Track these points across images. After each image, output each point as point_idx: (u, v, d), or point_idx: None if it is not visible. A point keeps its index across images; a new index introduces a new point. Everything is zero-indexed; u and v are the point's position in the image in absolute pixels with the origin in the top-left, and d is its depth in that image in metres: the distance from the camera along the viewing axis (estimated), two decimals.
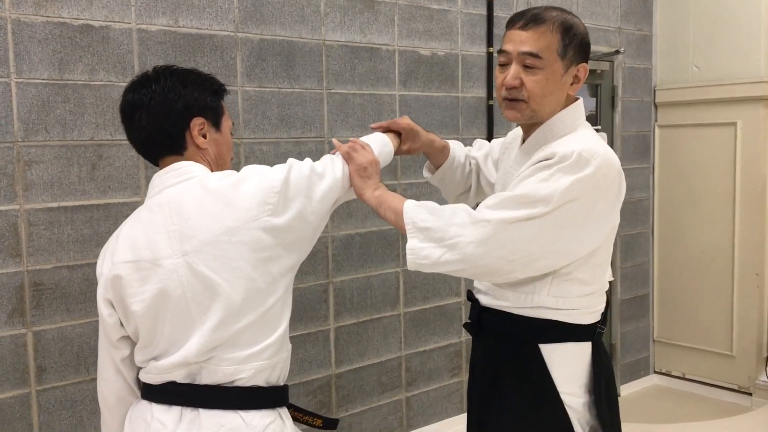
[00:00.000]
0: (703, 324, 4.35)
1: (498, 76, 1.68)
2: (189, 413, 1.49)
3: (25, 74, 2.33)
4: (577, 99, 1.70)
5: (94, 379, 2.48)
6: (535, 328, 1.60)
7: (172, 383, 1.51)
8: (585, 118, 1.69)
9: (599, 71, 4.20)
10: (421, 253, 1.54)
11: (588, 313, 1.62)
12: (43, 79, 2.37)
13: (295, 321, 3.00)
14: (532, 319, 1.60)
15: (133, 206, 2.57)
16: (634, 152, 4.44)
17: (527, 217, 1.48)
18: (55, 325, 2.42)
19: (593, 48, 4.00)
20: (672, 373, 4.55)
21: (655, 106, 4.50)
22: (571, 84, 1.64)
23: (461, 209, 1.54)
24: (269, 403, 1.54)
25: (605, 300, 1.68)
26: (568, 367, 1.60)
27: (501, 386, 1.67)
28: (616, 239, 4.26)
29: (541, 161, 1.55)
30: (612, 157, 1.56)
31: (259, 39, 2.85)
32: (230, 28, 2.77)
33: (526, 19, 1.60)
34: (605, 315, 1.70)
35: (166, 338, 1.50)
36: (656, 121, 4.52)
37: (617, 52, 4.18)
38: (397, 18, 3.27)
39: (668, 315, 4.55)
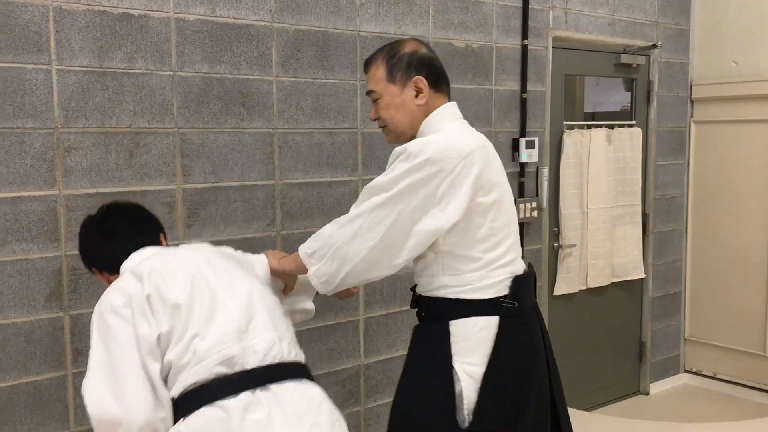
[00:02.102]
0: (735, 323, 4.28)
1: None
2: None
3: (65, 62, 2.37)
4: (445, 103, 1.94)
5: None
6: (444, 307, 1.79)
7: None
8: (456, 116, 1.93)
9: (635, 65, 4.14)
10: (318, 273, 1.81)
11: (483, 288, 1.77)
12: (83, 67, 2.40)
13: (325, 311, 3.02)
14: (440, 299, 1.80)
15: (170, 194, 2.60)
16: (669, 148, 4.38)
17: (375, 204, 1.74)
18: (91, 310, 2.43)
19: (629, 41, 3.96)
20: (703, 373, 4.49)
21: (692, 102, 4.43)
22: (417, 96, 1.89)
23: (333, 221, 1.82)
24: None
25: (508, 275, 1.80)
26: (470, 340, 1.75)
27: (409, 359, 1.88)
28: (648, 236, 4.21)
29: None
30: (454, 145, 1.76)
31: (294, 29, 2.86)
32: (266, 18, 2.78)
33: (365, 65, 1.99)
34: (518, 290, 1.80)
35: None
36: (692, 116, 4.45)
37: (654, 46, 4.13)
38: (431, 9, 3.26)
39: (700, 313, 4.49)
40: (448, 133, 1.83)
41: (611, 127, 4.07)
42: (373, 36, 3.08)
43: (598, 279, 4.06)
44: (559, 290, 3.92)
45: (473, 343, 1.75)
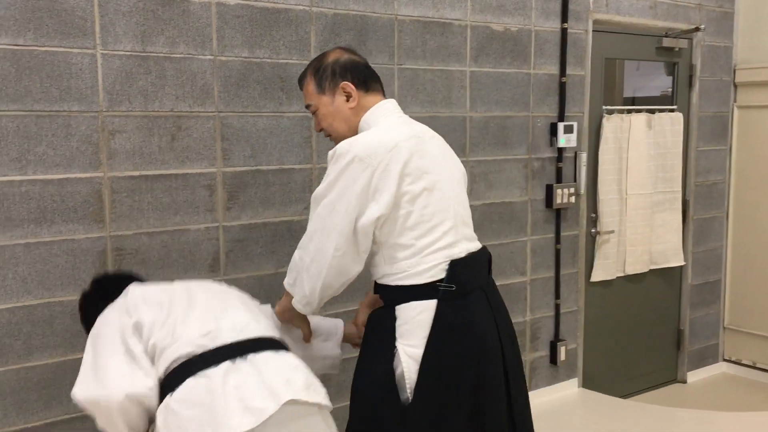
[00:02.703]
0: None
1: None
2: None
3: (110, 46, 2.41)
4: (380, 101, 2.01)
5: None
6: (390, 294, 1.87)
7: None
8: (390, 112, 1.99)
9: (677, 49, 4.07)
10: (298, 299, 1.92)
11: (418, 273, 1.83)
12: (127, 51, 2.45)
13: (360, 295, 3.04)
14: (386, 286, 1.88)
15: (210, 177, 2.64)
16: (711, 133, 4.30)
17: (322, 214, 1.84)
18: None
19: (671, 24, 3.89)
20: (742, 362, 4.43)
21: (735, 86, 4.34)
22: (348, 100, 1.98)
23: (298, 245, 1.93)
24: None
25: (444, 259, 1.85)
26: (411, 322, 1.82)
27: (364, 341, 1.98)
28: (688, 223, 4.17)
29: None
30: (379, 139, 1.84)
31: (333, 13, 2.87)
32: (305, 3, 2.79)
33: (298, 84, 2.11)
34: (457, 274, 1.84)
35: None
36: (735, 101, 4.35)
37: (697, 29, 4.04)
38: None
39: (740, 302, 4.42)
40: (376, 129, 1.91)
41: (652, 112, 4.00)
42: (411, 20, 3.08)
43: (636, 266, 4.02)
44: (596, 277, 3.89)
45: (413, 326, 1.82)
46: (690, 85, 4.19)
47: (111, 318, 1.81)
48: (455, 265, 1.85)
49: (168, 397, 1.65)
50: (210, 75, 2.62)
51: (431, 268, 1.84)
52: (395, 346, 1.84)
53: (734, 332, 4.46)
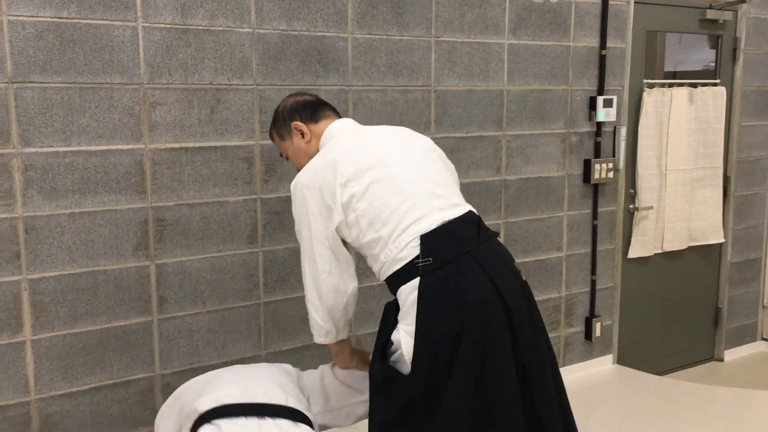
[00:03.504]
0: None
1: None
2: None
3: (150, 19, 2.44)
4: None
5: (211, 312, 2.64)
6: (390, 285, 1.95)
7: None
8: (335, 133, 2.11)
9: (721, 21, 3.96)
10: (321, 336, 2.06)
11: (396, 259, 1.90)
12: (167, 24, 2.47)
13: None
14: (386, 280, 1.97)
15: (248, 149, 2.67)
16: (755, 108, 4.19)
17: (303, 249, 2.02)
18: (175, 259, 2.57)
19: None
20: None
21: None
22: (302, 137, 2.14)
23: None
24: None
25: (413, 236, 1.89)
26: (405, 304, 1.89)
27: (381, 319, 2.04)
28: (729, 199, 4.10)
29: None
30: (317, 162, 2.00)
31: None
32: None
33: (270, 139, 2.28)
34: (430, 246, 1.87)
35: None
36: None
37: (742, 1, 3.93)
38: None
39: None
40: (319, 154, 2.06)
41: (694, 86, 3.92)
42: None
43: (674, 243, 3.97)
44: (633, 253, 3.85)
45: (408, 306, 1.88)
46: (734, 58, 4.09)
47: None
48: (427, 239, 1.88)
49: None
50: (248, 48, 2.63)
51: (403, 249, 1.89)
52: (396, 329, 1.92)
53: None
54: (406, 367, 1.87)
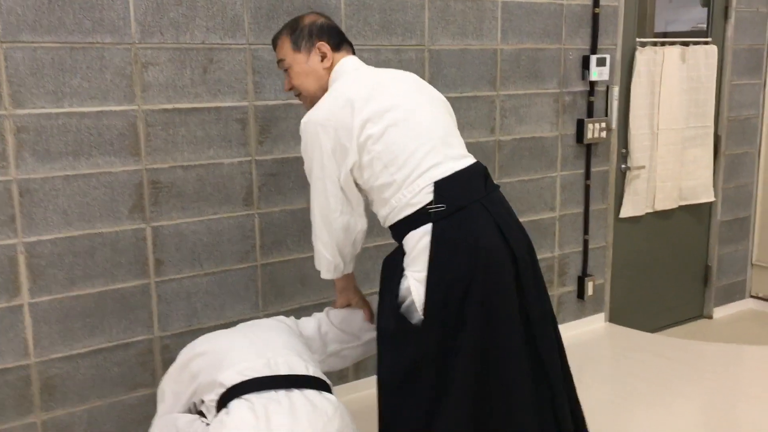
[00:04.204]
0: None
1: None
2: None
3: None
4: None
5: (208, 274, 2.64)
6: (395, 232, 1.98)
7: None
8: (351, 68, 2.09)
9: None
10: (328, 270, 2.09)
11: (408, 204, 1.90)
12: None
13: None
14: (391, 226, 1.99)
15: (242, 110, 2.64)
16: (746, 67, 4.20)
17: (314, 188, 2.01)
18: (171, 222, 2.56)
19: None
20: None
21: None
22: (322, 61, 2.09)
23: None
24: None
25: (428, 182, 1.90)
26: (414, 250, 1.90)
27: (380, 282, 2.07)
28: (719, 158, 4.12)
29: None
30: (334, 100, 1.96)
31: None
32: None
33: (272, 41, 2.19)
34: (444, 193, 1.89)
35: None
36: None
37: None
38: None
39: None
40: (331, 92, 2.02)
41: (686, 44, 3.91)
42: None
43: (665, 202, 4.00)
44: (625, 213, 3.88)
45: (417, 253, 1.89)
46: (725, 16, 4.08)
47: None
48: (441, 185, 1.89)
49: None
50: (240, 6, 2.59)
51: (417, 194, 1.90)
52: (404, 276, 1.91)
53: (762, 269, 4.45)
54: (416, 317, 1.87)
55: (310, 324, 2.21)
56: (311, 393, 1.84)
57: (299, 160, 2.77)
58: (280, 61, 2.16)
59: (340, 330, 2.20)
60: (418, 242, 1.88)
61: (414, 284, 1.87)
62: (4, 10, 2.19)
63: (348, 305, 2.24)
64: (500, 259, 1.88)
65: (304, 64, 2.09)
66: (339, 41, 2.12)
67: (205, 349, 1.99)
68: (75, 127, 2.35)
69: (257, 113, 2.68)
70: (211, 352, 1.97)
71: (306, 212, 2.80)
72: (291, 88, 2.17)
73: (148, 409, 2.59)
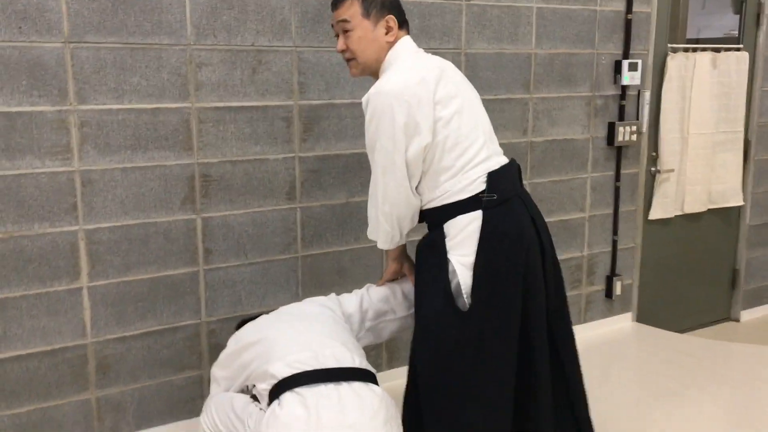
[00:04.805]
0: None
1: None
2: None
3: None
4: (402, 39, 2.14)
5: (252, 264, 2.77)
6: (437, 215, 2.06)
7: None
8: (412, 49, 2.14)
9: None
10: (383, 236, 2.12)
11: (461, 190, 2.01)
12: None
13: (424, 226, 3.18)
14: (432, 209, 2.07)
15: (288, 109, 2.78)
16: None
17: (377, 161, 2.02)
18: (219, 213, 2.70)
19: None
20: None
21: None
22: (386, 33, 2.10)
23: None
24: None
25: (483, 172, 2.02)
26: (461, 234, 1.99)
27: (417, 265, 2.15)
28: (749, 163, 4.15)
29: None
30: (406, 78, 1.98)
31: None
32: None
33: (334, 3, 2.14)
34: (496, 184, 2.01)
35: None
36: None
37: None
38: None
39: None
40: (401, 68, 2.05)
41: (717, 50, 3.98)
42: None
43: (694, 205, 4.06)
44: (654, 215, 3.95)
45: (464, 237, 1.98)
46: (757, 23, 4.13)
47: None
48: (493, 176, 2.02)
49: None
50: (288, 11, 2.73)
51: (472, 182, 2.01)
52: (448, 260, 2.00)
53: None
54: (461, 301, 1.98)
55: (352, 302, 2.31)
56: (358, 385, 1.92)
57: (340, 158, 2.92)
58: (342, 22, 2.12)
59: (379, 306, 2.31)
60: (467, 227, 1.99)
61: (460, 268, 1.98)
62: (72, 12, 2.36)
63: (397, 273, 2.32)
64: (536, 250, 2.01)
65: (370, 31, 2.09)
66: (403, 20, 2.16)
67: (255, 339, 2.10)
68: (133, 123, 2.50)
69: (301, 112, 2.82)
70: (260, 342, 2.07)
71: (345, 207, 2.95)
72: (345, 50, 2.15)
73: (193, 390, 2.74)
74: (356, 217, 2.99)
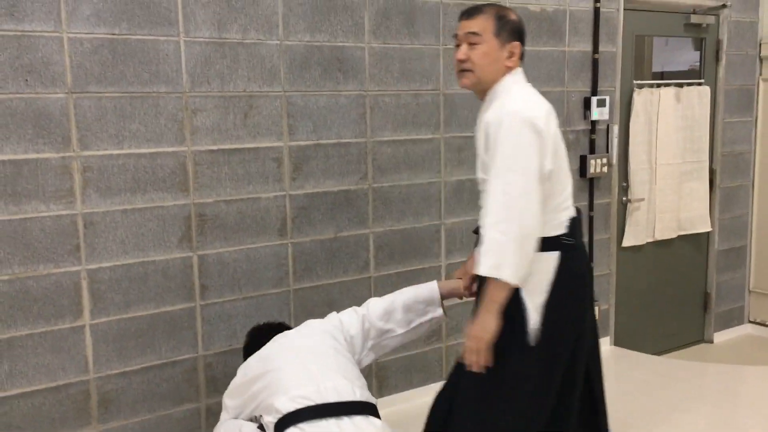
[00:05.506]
0: None
1: (454, 56, 2.21)
2: None
3: (191, 34, 2.71)
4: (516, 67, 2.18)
5: (246, 298, 2.90)
6: None
7: None
8: (524, 82, 2.19)
9: (704, 25, 4.26)
10: (512, 270, 1.95)
11: (552, 227, 2.07)
12: (206, 38, 2.74)
13: (410, 257, 3.34)
14: None
15: (278, 150, 2.94)
16: (737, 106, 4.49)
17: (516, 182, 1.96)
18: (215, 251, 2.83)
19: (699, 2, 4.08)
20: (766, 323, 4.65)
21: (760, 60, 4.52)
22: (509, 58, 2.14)
23: (487, 227, 1.99)
24: None
25: (566, 216, 2.11)
26: (535, 272, 2.03)
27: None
28: (715, 191, 4.35)
29: (486, 127, 2.07)
30: (535, 104, 2.05)
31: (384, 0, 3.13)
32: None
33: (470, 12, 2.18)
34: (573, 230, 2.12)
35: None
36: (761, 74, 4.54)
37: (723, 6, 4.23)
38: None
39: (765, 266, 4.63)
40: (524, 95, 2.11)
41: (680, 85, 4.22)
42: (455, 3, 3.33)
43: (665, 232, 4.26)
44: (627, 242, 4.14)
45: (539, 275, 2.05)
46: (717, 59, 4.39)
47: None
48: (573, 222, 2.14)
49: None
50: (277, 58, 2.90)
51: (560, 224, 2.10)
52: (520, 295, 2.05)
53: (759, 295, 4.68)
54: (527, 334, 2.06)
55: (354, 324, 2.41)
56: (359, 420, 2.03)
57: (328, 194, 3.08)
58: (471, 33, 2.12)
59: (380, 325, 2.41)
60: (543, 264, 2.05)
61: (530, 303, 2.06)
62: (75, 64, 2.51)
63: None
64: (590, 296, 2.21)
65: (495, 50, 2.11)
66: (523, 52, 2.20)
67: (262, 371, 2.20)
68: (133, 167, 2.64)
69: (291, 153, 2.98)
70: (267, 375, 2.18)
71: (333, 241, 3.09)
72: (465, 60, 2.14)
73: (192, 422, 2.84)
74: (344, 251, 3.14)
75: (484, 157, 2.10)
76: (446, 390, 2.26)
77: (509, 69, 2.16)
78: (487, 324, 1.99)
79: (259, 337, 2.49)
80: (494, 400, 2.09)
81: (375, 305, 2.46)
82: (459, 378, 2.17)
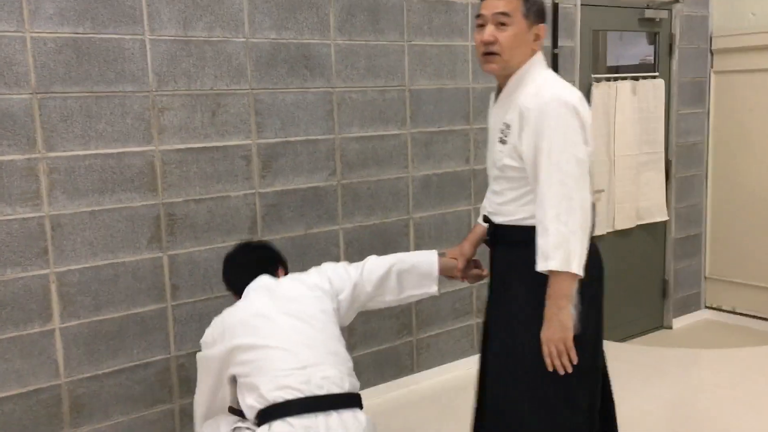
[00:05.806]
0: (753, 261, 4.59)
1: (476, 37, 2.09)
2: None
3: (156, 32, 2.68)
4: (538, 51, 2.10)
5: (219, 297, 2.89)
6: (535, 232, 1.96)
7: None
8: (545, 64, 2.11)
9: (658, 20, 4.38)
10: (578, 261, 1.91)
11: None
12: (171, 36, 2.71)
13: (379, 252, 3.35)
14: (533, 226, 1.97)
15: (246, 148, 2.93)
16: (690, 98, 4.63)
17: (569, 170, 1.93)
18: (185, 250, 2.81)
19: None
20: (722, 308, 4.81)
21: (712, 53, 4.67)
22: (534, 41, 2.06)
23: (546, 218, 1.94)
24: None
25: (591, 203, 2.05)
26: None
27: (509, 283, 2.09)
28: (671, 181, 4.46)
29: (523, 112, 1.98)
30: (575, 91, 1.99)
31: None
32: None
33: None
34: (593, 218, 2.07)
35: None
36: (712, 67, 4.69)
37: (676, 1, 4.35)
38: None
39: (720, 253, 4.79)
40: (556, 80, 2.04)
41: (636, 79, 4.33)
42: (419, 0, 3.36)
43: (624, 221, 4.37)
44: None
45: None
46: (670, 53, 4.51)
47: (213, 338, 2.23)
48: (593, 210, 2.09)
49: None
50: (243, 56, 2.89)
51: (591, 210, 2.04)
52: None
53: (715, 281, 4.84)
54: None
55: (346, 290, 2.31)
56: (346, 415, 2.03)
57: (297, 192, 3.08)
58: (500, 14, 2.01)
59: (372, 291, 2.35)
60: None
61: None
62: (39, 64, 2.46)
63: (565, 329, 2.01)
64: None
65: (524, 32, 2.02)
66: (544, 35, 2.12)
67: (249, 343, 2.09)
68: (100, 167, 2.61)
69: (259, 150, 2.97)
70: (254, 349, 2.08)
71: (303, 238, 3.10)
72: (493, 42, 2.02)
73: (166, 423, 2.82)
74: (315, 248, 3.15)
75: (516, 142, 2.01)
76: (499, 402, 2.14)
77: (534, 52, 2.07)
78: (564, 321, 1.94)
79: (242, 267, 2.39)
80: (561, 394, 2.06)
81: (370, 273, 2.35)
82: (507, 389, 2.10)
